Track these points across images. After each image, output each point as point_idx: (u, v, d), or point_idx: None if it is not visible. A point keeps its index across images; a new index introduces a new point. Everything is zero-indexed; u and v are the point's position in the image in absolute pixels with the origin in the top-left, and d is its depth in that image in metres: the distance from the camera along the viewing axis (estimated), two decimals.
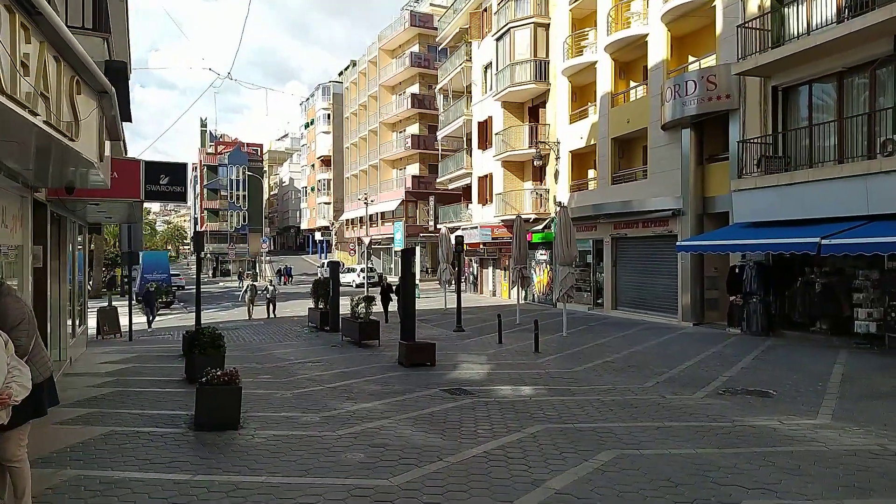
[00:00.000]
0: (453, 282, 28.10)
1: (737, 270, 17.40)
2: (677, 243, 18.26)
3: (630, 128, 22.83)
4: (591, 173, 26.89)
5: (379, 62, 57.40)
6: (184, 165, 11.12)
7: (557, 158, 27.53)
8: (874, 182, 13.11)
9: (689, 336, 17.28)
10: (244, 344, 17.76)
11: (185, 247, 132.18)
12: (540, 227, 28.00)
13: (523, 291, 26.01)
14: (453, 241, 27.10)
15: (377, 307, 18.80)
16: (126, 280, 46.98)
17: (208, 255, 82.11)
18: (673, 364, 12.46)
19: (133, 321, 20.06)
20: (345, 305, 19.42)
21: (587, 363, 12.89)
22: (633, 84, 24.28)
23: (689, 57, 21.21)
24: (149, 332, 21.77)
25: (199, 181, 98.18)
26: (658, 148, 21.23)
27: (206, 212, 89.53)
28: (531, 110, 30.42)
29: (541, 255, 28.87)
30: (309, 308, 22.39)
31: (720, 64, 18.47)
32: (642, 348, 15.04)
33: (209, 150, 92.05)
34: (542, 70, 28.27)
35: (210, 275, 73.91)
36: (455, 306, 20.41)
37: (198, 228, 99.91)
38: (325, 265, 42.02)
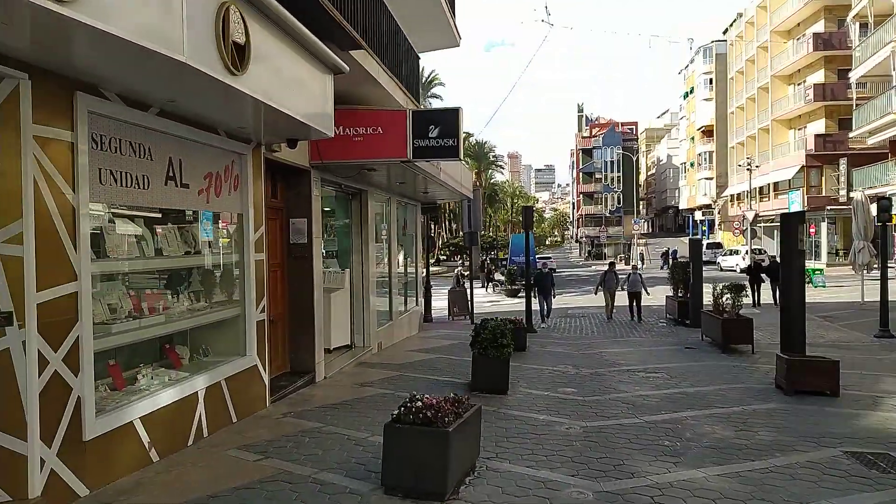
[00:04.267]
0: (874, 265, 20.62)
1: None
2: None
3: None
4: None
5: (770, 4, 48.16)
6: (455, 111, 8.75)
7: None
8: None
9: None
10: (576, 337, 14.99)
11: (568, 231, 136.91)
12: None
13: None
14: (875, 209, 19.70)
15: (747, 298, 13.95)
16: (493, 262, 49.33)
17: (583, 239, 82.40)
18: None
19: (475, 302, 19.18)
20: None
21: None
22: None
23: None
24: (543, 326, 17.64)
25: (575, 165, 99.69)
26: None
27: (581, 196, 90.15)
28: None
29: None
30: (667, 296, 18.41)
31: None
32: None
33: (584, 134, 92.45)
34: None
35: (584, 258, 73.69)
36: (877, 300, 14.12)
37: (575, 213, 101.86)
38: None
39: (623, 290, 18.57)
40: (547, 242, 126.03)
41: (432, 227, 65.11)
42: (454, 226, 68.83)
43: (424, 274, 20.32)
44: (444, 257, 62.26)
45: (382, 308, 13.08)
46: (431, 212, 21.35)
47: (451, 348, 12.51)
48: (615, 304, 18.94)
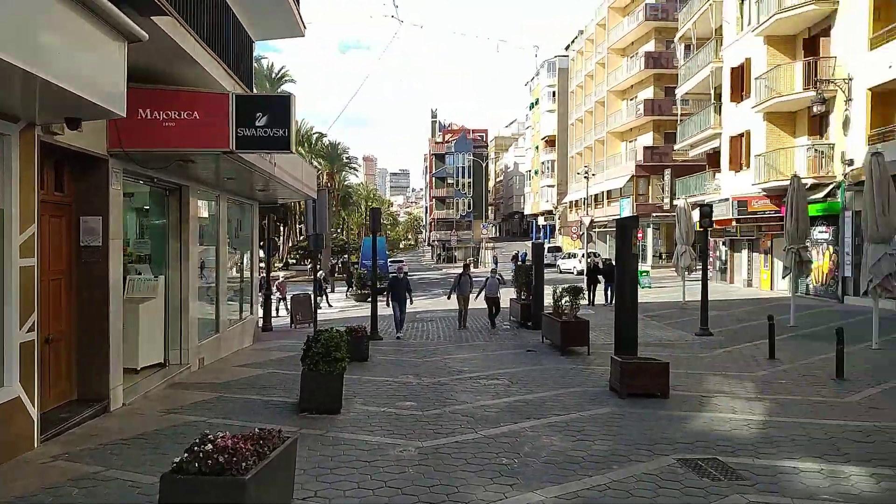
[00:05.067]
0: (695, 268, 22.39)
1: None
2: None
3: None
4: None
5: (608, 23, 51.58)
6: (286, 98, 7.89)
7: (848, 101, 20.08)
8: None
9: None
10: (421, 343, 14.55)
11: (421, 235, 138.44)
12: (820, 194, 20.86)
13: (793, 281, 19.15)
14: (696, 216, 21.35)
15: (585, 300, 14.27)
16: (345, 266, 48.22)
17: (435, 243, 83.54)
18: None
19: (320, 309, 18.15)
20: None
21: None
22: None
23: None
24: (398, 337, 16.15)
25: (428, 170, 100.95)
26: None
27: (434, 200, 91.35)
28: (807, 43, 22.98)
29: (820, 232, 21.64)
30: (511, 299, 18.58)
31: None
32: None
33: (437, 140, 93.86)
34: None
35: (435, 261, 74.59)
36: (697, 300, 15.09)
37: (428, 217, 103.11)
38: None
39: (473, 293, 17.27)
40: (401, 246, 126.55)
41: (280, 228, 62.54)
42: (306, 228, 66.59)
43: (264, 279, 18.98)
44: (294, 261, 59.91)
45: (208, 318, 11.77)
46: (276, 212, 20.06)
47: (288, 361, 11.49)
48: (469, 308, 17.23)
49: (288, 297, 20.35)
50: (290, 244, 63.59)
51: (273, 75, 52.74)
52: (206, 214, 11.87)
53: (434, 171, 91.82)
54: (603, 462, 5.70)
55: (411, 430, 6.82)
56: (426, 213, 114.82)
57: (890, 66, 18.38)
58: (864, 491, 4.87)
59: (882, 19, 19.49)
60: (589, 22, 57.72)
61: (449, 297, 18.38)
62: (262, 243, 27.14)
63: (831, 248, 21.35)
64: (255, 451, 3.94)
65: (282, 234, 62.27)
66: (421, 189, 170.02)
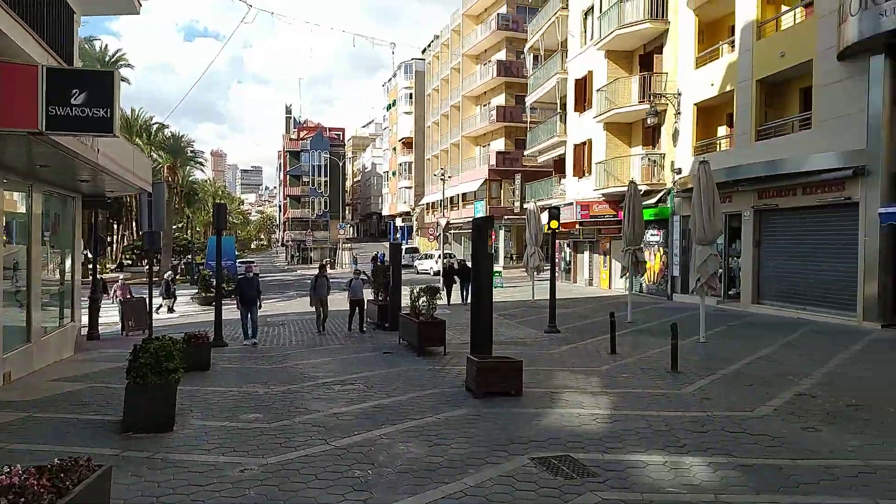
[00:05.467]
0: (543, 268, 23.40)
1: None
2: (880, 210, 12.66)
3: (785, 63, 17.10)
4: (722, 130, 21.23)
5: (462, 30, 52.82)
6: (108, 74, 6.96)
7: (677, 114, 21.98)
8: None
9: (890, 344, 11.78)
10: (272, 348, 13.74)
11: (274, 235, 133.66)
12: (653, 200, 22.62)
13: (630, 280, 20.59)
14: (544, 219, 22.30)
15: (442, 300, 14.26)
16: (188, 266, 45.12)
17: (290, 243, 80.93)
18: None
19: (156, 316, 16.61)
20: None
21: (766, 395, 7.88)
22: (785, 8, 18.42)
23: None
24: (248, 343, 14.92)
25: (282, 168, 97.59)
26: (830, 86, 15.50)
27: (288, 199, 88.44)
28: (643, 59, 24.90)
29: (652, 235, 23.48)
30: (368, 300, 18.17)
31: None
32: (836, 366, 9.77)
33: (292, 136, 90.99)
34: (659, 5, 22.73)
35: (289, 262, 72.22)
36: (546, 298, 15.66)
37: (282, 216, 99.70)
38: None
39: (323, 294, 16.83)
40: (253, 246, 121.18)
41: (113, 225, 57.14)
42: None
43: (100, 281, 17.05)
44: (130, 262, 55.05)
45: (18, 325, 10.23)
46: (107, 207, 18.03)
47: (113, 374, 10.25)
48: (328, 311, 16.27)
49: (129, 301, 18.35)
50: (126, 243, 58.44)
51: (106, 58, 48.15)
52: (17, 209, 10.32)
53: (289, 169, 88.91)
54: (460, 467, 5.53)
55: (255, 446, 6.24)
56: (280, 211, 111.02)
57: (712, 84, 20.33)
58: (704, 481, 5.10)
59: (706, 41, 21.54)
60: (445, 27, 58.81)
61: (311, 303, 16.80)
62: (88, 241, 24.47)
63: (662, 249, 23.23)
64: (53, 488, 3.26)
65: (115, 231, 57.06)
66: (275, 187, 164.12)
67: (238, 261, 41.11)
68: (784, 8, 18.41)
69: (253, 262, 47.70)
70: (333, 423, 7.10)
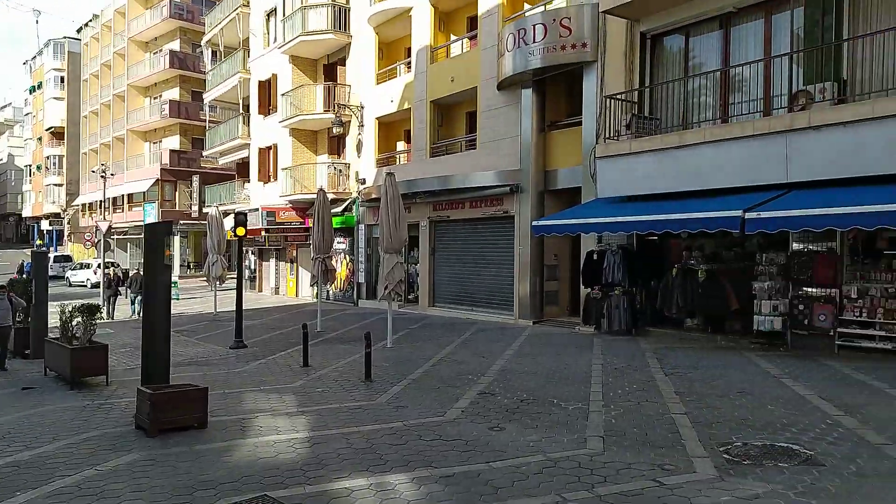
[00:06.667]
0: (227, 277, 21.97)
1: (595, 257, 14.24)
2: (533, 223, 14.55)
3: (455, 88, 18.80)
4: (401, 145, 22.51)
5: (128, 12, 47.04)
6: None
7: (361, 126, 22.63)
8: (795, 141, 10.40)
9: (542, 339, 13.70)
10: None
11: None
12: (339, 209, 22.90)
13: (319, 288, 20.43)
14: (228, 225, 20.97)
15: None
16: None
17: None
18: (579, 391, 8.40)
19: None
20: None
21: (454, 397, 8.30)
22: (453, 38, 20.30)
23: (525, 4, 17.66)
24: None
25: None
26: (492, 111, 17.48)
27: None
28: (327, 69, 25.08)
29: (339, 243, 23.76)
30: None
31: (574, 5, 15.14)
32: (505, 362, 10.90)
33: None
34: (341, 18, 23.11)
35: None
36: (230, 310, 14.57)
37: None
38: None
39: None
40: None
41: None
42: None
43: None
44: None
45: None
46: None
47: None
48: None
49: None
50: None
51: None
52: None
53: None
54: None
55: None
56: None
57: (392, 101, 21.39)
58: (412, 500, 4.96)
59: (385, 59, 22.62)
60: (107, 6, 51.75)
61: None
62: None
63: (348, 257, 23.67)
64: None
65: None
66: None
67: None
68: (453, 37, 20.28)
69: None
70: None
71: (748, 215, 9.85)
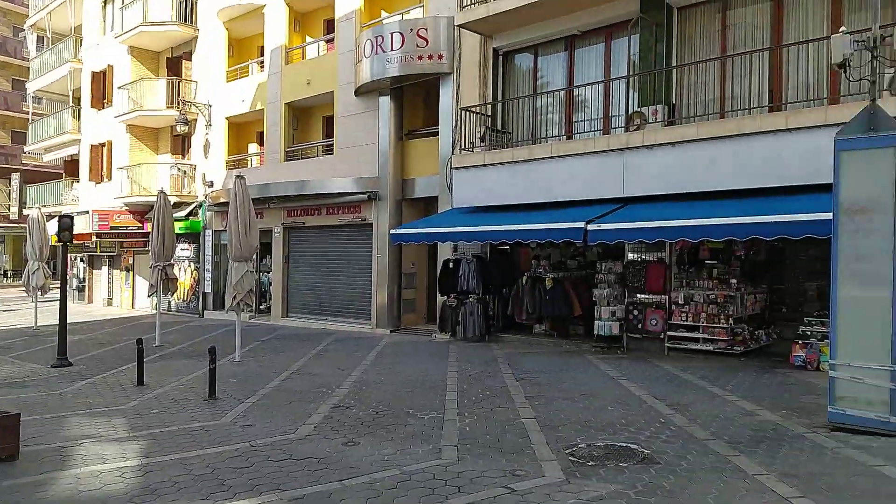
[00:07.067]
0: (50, 287, 19.72)
1: (451, 266, 14.49)
2: (391, 231, 14.50)
3: (311, 91, 18.32)
4: (254, 147, 21.55)
5: None
6: None
7: (209, 126, 21.36)
8: (630, 158, 11.24)
9: (399, 347, 13.67)
10: None
11: None
12: (183, 213, 21.44)
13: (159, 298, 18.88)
14: (52, 229, 18.79)
15: None
16: None
17: None
18: (435, 399, 8.42)
19: None
20: None
21: (306, 413, 7.97)
22: (310, 39, 19.80)
23: (382, 12, 17.63)
24: None
25: None
26: (349, 117, 17.25)
27: None
28: (171, 63, 23.44)
29: (182, 249, 22.23)
30: None
31: (431, 16, 15.33)
32: (361, 373, 10.71)
33: None
34: (188, 9, 21.73)
35: None
36: (54, 324, 13.05)
37: None
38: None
39: None
40: None
41: None
42: None
43: None
44: None
45: None
46: None
47: None
48: None
49: None
50: None
51: None
52: None
53: None
54: None
55: None
56: None
57: (243, 101, 20.44)
58: None
59: (237, 56, 21.60)
60: None
61: None
62: None
63: (193, 265, 22.22)
64: None
65: None
66: None
67: None
68: (309, 39, 19.78)
69: None
70: None
71: (590, 227, 10.47)
